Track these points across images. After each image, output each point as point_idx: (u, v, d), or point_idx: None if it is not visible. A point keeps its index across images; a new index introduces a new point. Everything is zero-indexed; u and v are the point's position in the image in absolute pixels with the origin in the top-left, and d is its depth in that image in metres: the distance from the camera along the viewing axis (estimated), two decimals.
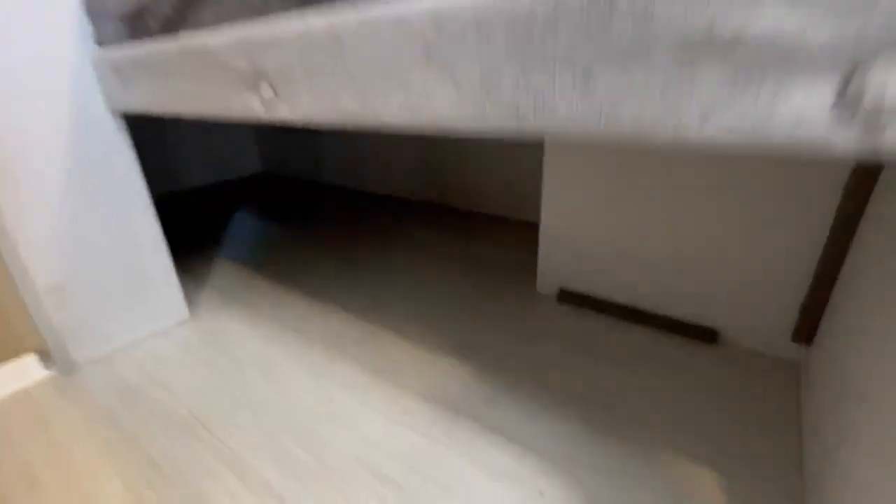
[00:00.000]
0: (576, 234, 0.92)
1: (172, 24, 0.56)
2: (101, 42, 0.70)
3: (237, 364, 0.81)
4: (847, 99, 0.19)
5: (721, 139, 0.22)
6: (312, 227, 1.51)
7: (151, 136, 1.94)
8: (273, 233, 1.47)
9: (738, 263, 0.75)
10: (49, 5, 0.68)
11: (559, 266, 0.97)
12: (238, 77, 0.49)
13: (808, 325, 0.69)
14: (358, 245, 1.34)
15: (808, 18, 0.19)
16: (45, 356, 0.84)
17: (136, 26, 0.60)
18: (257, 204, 1.82)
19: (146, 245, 0.87)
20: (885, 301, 0.44)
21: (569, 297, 0.95)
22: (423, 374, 0.75)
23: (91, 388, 0.76)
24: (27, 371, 0.82)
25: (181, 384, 0.76)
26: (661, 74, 0.22)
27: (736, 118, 0.21)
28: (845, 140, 0.19)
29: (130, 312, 0.87)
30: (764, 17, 0.19)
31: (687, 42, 0.21)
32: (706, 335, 0.79)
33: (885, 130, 0.18)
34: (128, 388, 0.76)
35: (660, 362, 0.76)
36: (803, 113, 0.19)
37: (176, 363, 0.82)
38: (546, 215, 0.94)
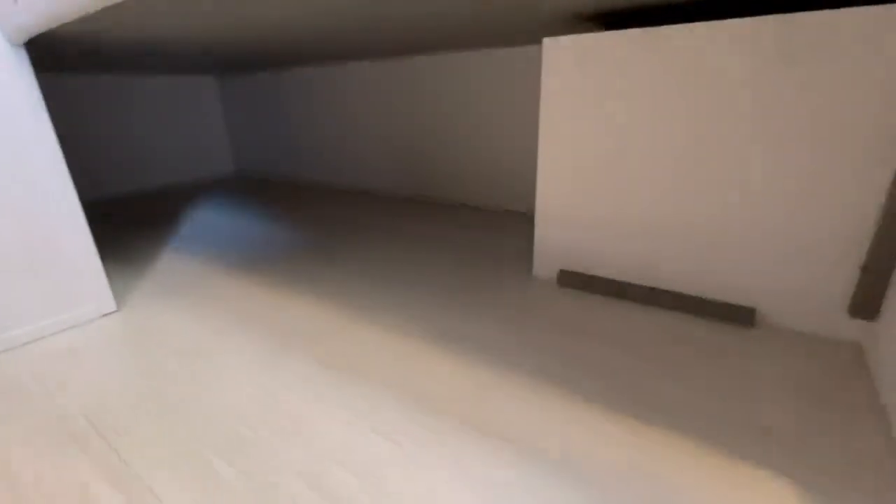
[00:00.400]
0: (577, 208, 0.78)
1: None
2: None
3: (164, 360, 0.64)
4: None
5: None
6: (284, 222, 1.36)
7: (118, 134, 1.79)
8: (241, 228, 1.31)
9: (774, 225, 0.62)
10: None
11: (559, 245, 0.83)
12: None
13: (870, 294, 0.56)
14: (333, 238, 1.18)
15: None
16: None
17: None
18: (228, 202, 1.66)
19: (58, 219, 0.71)
20: None
21: (571, 280, 0.80)
22: (399, 369, 0.60)
23: None
24: None
25: (83, 384, 0.59)
26: None
27: None
28: None
29: (33, 301, 0.70)
30: None
31: None
32: (741, 316, 0.66)
33: None
34: (11, 388, 0.58)
35: (690, 349, 0.62)
36: None
37: (84, 360, 0.65)
38: (542, 186, 0.81)
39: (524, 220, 1.26)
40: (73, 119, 1.66)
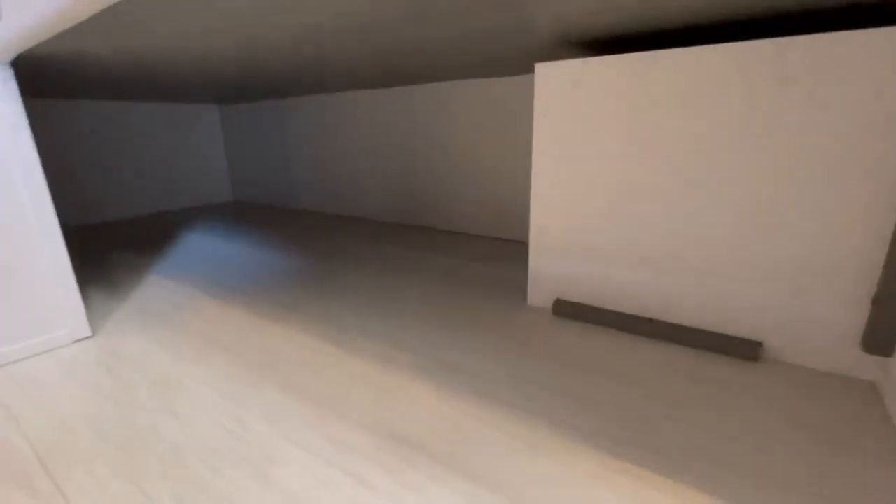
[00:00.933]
0: (573, 236, 0.76)
1: None
2: None
3: (134, 389, 0.60)
4: None
5: None
6: (275, 249, 1.34)
7: (118, 159, 1.80)
8: (231, 254, 1.29)
9: (779, 254, 0.59)
10: None
11: (554, 273, 0.79)
12: None
13: (884, 327, 0.52)
14: (324, 264, 1.16)
15: None
16: None
17: None
18: (222, 227, 1.64)
19: (34, 241, 0.69)
20: None
21: (567, 310, 0.77)
22: (382, 403, 0.56)
23: None
24: None
25: (39, 414, 0.55)
26: None
27: None
28: None
29: (2, 325, 0.67)
30: None
31: None
32: (746, 349, 0.62)
33: None
34: None
35: (692, 385, 0.57)
36: None
37: (47, 388, 0.61)
38: (536, 213, 0.79)
39: (519, 248, 1.23)
40: (72, 143, 1.68)
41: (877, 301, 0.52)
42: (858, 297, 0.55)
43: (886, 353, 0.52)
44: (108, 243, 1.43)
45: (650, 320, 0.69)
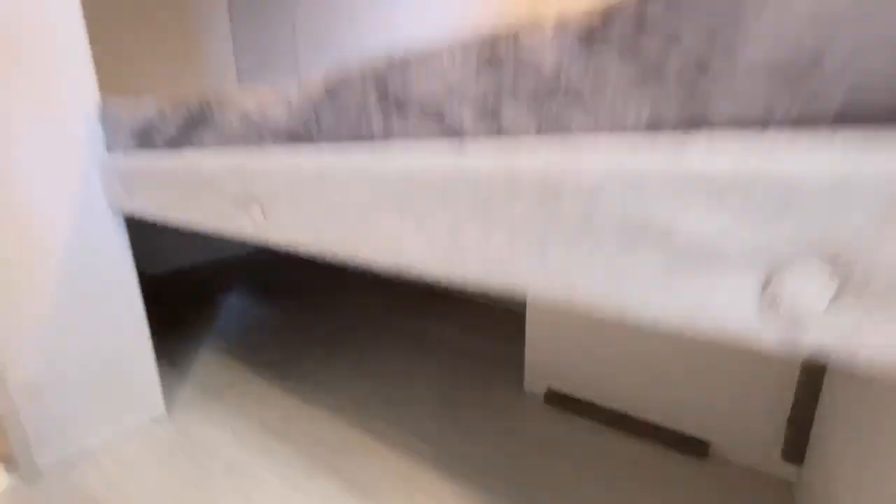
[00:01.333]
0: (564, 330, 0.92)
1: (176, 143, 0.60)
2: (110, 148, 0.75)
3: (208, 474, 0.76)
4: (767, 300, 0.20)
5: (660, 321, 0.24)
6: (302, 313, 1.51)
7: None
8: (261, 319, 1.46)
9: (724, 369, 0.75)
10: (66, 112, 0.73)
11: (547, 364, 0.96)
12: (231, 198, 0.52)
13: (796, 442, 0.68)
14: (346, 334, 1.33)
15: (726, 223, 0.21)
16: (10, 462, 0.79)
17: (145, 141, 0.65)
18: (249, 285, 1.83)
19: (130, 342, 0.86)
20: (864, 421, 0.44)
21: (556, 399, 0.93)
22: (402, 491, 0.71)
23: (48, 500, 0.72)
24: None
25: (143, 495, 0.72)
26: (605, 256, 0.24)
27: (673, 303, 0.23)
28: (769, 337, 0.20)
29: (102, 411, 0.84)
30: (688, 218, 0.22)
31: (627, 227, 0.24)
32: (697, 448, 0.77)
33: (806, 333, 0.19)
34: (87, 500, 0.71)
35: (649, 478, 0.73)
36: (729, 307, 0.21)
37: (142, 469, 0.78)
38: (532, 310, 0.95)
39: (521, 320, 1.39)
40: None
41: (790, 422, 0.68)
42: (780, 416, 0.70)
43: (798, 463, 0.68)
44: (149, 304, 1.61)
45: (624, 416, 0.85)
